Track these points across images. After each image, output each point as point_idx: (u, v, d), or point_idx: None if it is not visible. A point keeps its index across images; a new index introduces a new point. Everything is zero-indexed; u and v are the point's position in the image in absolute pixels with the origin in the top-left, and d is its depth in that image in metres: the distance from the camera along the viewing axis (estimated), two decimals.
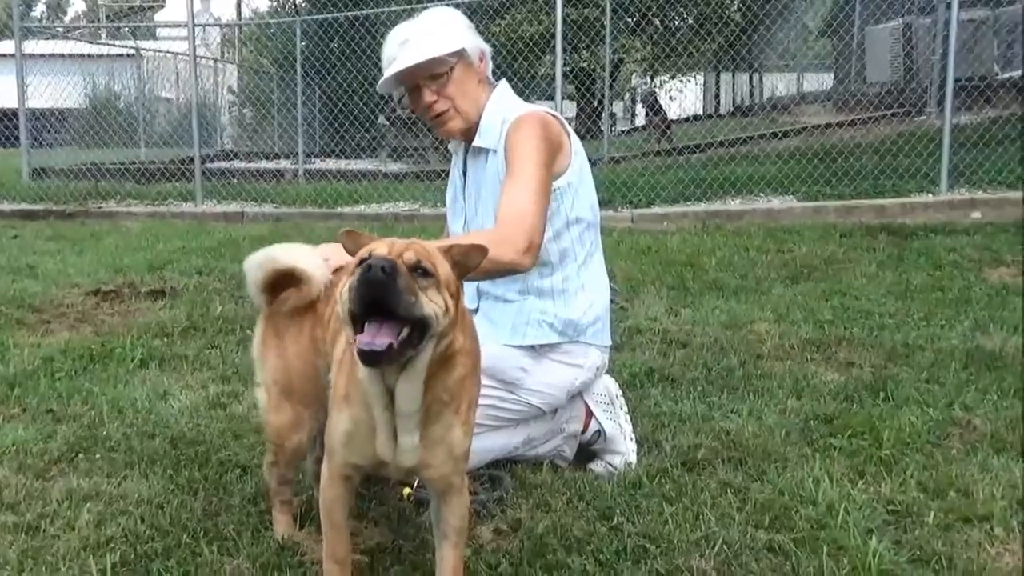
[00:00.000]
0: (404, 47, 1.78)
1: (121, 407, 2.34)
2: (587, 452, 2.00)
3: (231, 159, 10.84)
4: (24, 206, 7.27)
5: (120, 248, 5.12)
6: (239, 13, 15.92)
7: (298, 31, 9.96)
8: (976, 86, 6.89)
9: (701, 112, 13.95)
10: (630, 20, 11.12)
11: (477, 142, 1.86)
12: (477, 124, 1.85)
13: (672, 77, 12.67)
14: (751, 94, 13.65)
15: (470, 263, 1.27)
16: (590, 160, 1.99)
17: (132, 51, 11.79)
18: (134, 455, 2.01)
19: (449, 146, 2.01)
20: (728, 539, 1.60)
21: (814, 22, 13.11)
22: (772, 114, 10.50)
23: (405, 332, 1.15)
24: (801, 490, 1.78)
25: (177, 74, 12.10)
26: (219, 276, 4.17)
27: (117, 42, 13.62)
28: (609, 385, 2.05)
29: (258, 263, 1.57)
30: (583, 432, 1.97)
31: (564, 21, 6.73)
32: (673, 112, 12.10)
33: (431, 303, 1.17)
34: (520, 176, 1.70)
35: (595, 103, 11.11)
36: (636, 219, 5.93)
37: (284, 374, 1.59)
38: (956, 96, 5.87)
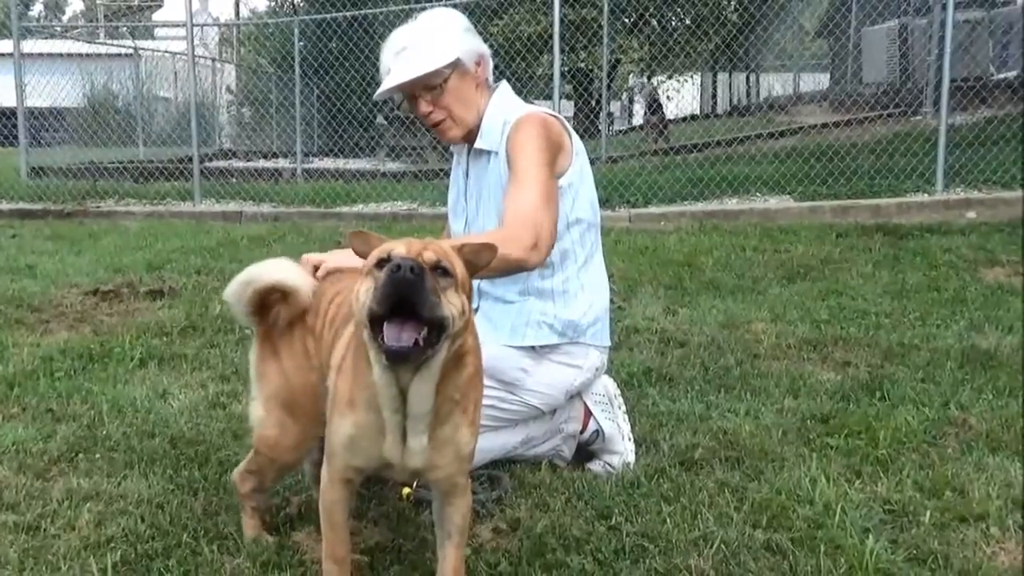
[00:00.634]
0: (399, 58, 1.79)
1: (121, 407, 2.34)
2: (585, 452, 2.01)
3: (229, 158, 10.84)
4: (22, 205, 7.25)
5: (119, 247, 5.11)
6: (237, 13, 15.90)
7: (296, 31, 9.95)
8: (972, 86, 6.91)
9: (698, 112, 13.96)
10: (627, 20, 11.13)
11: (478, 144, 1.87)
12: (478, 127, 1.86)
13: (669, 77, 12.68)
14: (748, 94, 13.67)
15: (480, 262, 1.28)
16: (588, 159, 2.00)
17: (130, 50, 11.77)
18: (134, 455, 2.01)
19: (451, 148, 2.01)
20: (726, 538, 1.61)
21: (811, 22, 13.14)
22: (769, 114, 10.52)
23: (424, 332, 1.15)
24: (798, 489, 1.79)
25: (175, 73, 12.08)
26: (218, 275, 4.17)
27: (115, 41, 13.61)
28: (607, 385, 2.06)
29: (240, 288, 1.55)
30: (582, 432, 1.98)
31: (562, 21, 6.75)
32: (670, 112, 12.11)
33: (450, 304, 1.17)
34: (524, 177, 1.71)
35: (592, 103, 11.12)
36: (633, 219, 5.95)
37: (286, 391, 1.56)
38: (952, 96, 5.89)
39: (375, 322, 1.16)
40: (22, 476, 1.90)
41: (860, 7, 10.23)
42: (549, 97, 6.83)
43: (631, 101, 16.63)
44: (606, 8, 8.36)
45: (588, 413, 1.99)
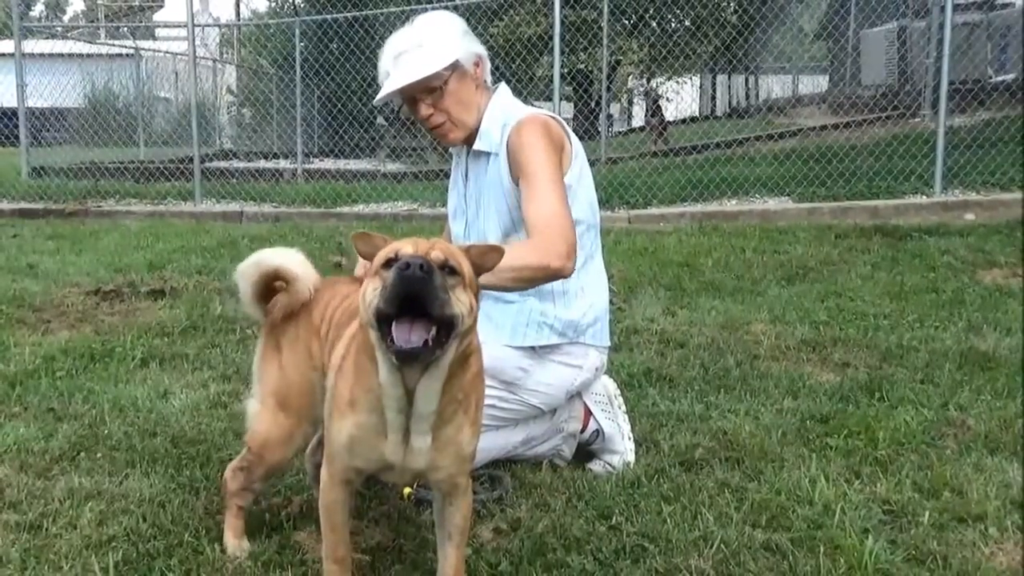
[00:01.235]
0: (398, 61, 1.80)
1: (122, 406, 2.35)
2: (586, 452, 2.01)
3: (230, 159, 10.84)
4: (23, 205, 7.26)
5: (120, 247, 5.11)
6: (238, 13, 15.90)
7: (297, 32, 9.97)
8: (970, 89, 6.93)
9: (698, 113, 13.98)
10: (627, 22, 11.15)
11: (477, 146, 1.88)
12: (477, 129, 1.87)
13: (669, 79, 12.70)
14: (747, 96, 13.70)
15: (487, 264, 1.29)
16: (588, 160, 2.01)
17: (131, 51, 11.78)
18: (135, 454, 2.02)
19: (451, 150, 2.02)
20: (726, 538, 1.61)
21: (810, 25, 13.16)
22: (768, 116, 10.53)
23: (433, 331, 1.15)
24: (798, 490, 1.80)
25: (176, 74, 12.09)
26: (219, 276, 4.18)
27: (116, 42, 13.61)
28: (607, 385, 2.07)
29: (247, 268, 1.57)
30: (582, 432, 1.99)
31: (562, 23, 6.76)
32: (670, 113, 12.13)
33: (459, 302, 1.18)
34: (539, 180, 1.72)
35: (592, 104, 11.13)
36: (633, 219, 5.95)
37: (282, 387, 1.57)
38: (950, 99, 5.91)
39: (383, 322, 1.16)
40: (24, 475, 1.90)
41: (859, 9, 10.25)
42: (549, 98, 6.85)
43: (631, 103, 16.65)
44: (606, 10, 8.38)
45: (588, 413, 2.00)
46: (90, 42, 12.34)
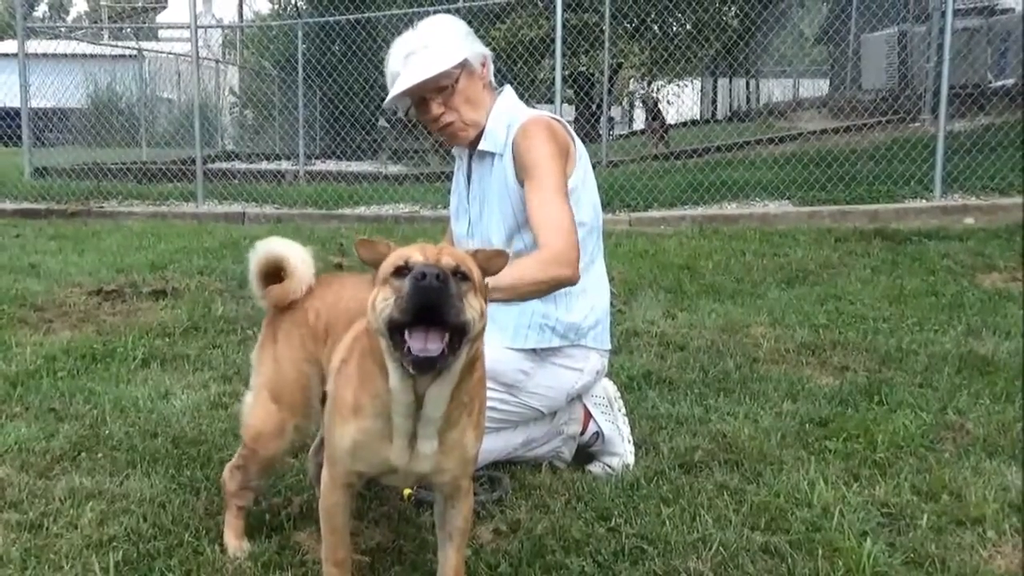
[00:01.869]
0: (408, 61, 1.80)
1: (123, 406, 2.35)
2: (585, 454, 2.02)
3: (232, 160, 10.86)
4: (26, 205, 7.27)
5: (122, 248, 5.12)
6: (241, 15, 15.96)
7: (299, 33, 9.99)
8: (970, 94, 6.94)
9: (699, 117, 14.00)
10: (629, 25, 11.16)
11: (482, 146, 1.89)
12: (483, 129, 1.88)
13: (670, 82, 12.72)
14: (748, 99, 13.72)
15: (493, 268, 1.29)
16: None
17: (134, 52, 11.81)
18: (136, 454, 2.02)
19: (453, 150, 2.03)
20: (725, 541, 1.62)
21: (811, 29, 13.18)
22: (769, 119, 10.55)
23: (447, 337, 1.15)
24: (796, 492, 1.80)
25: (179, 75, 12.13)
26: (220, 276, 4.19)
27: (119, 43, 13.64)
28: (607, 387, 2.07)
29: (258, 249, 1.61)
30: (581, 434, 2.00)
31: (564, 26, 6.78)
32: (671, 117, 12.16)
33: (471, 308, 1.18)
34: (546, 186, 1.74)
35: (594, 107, 11.15)
36: (634, 222, 5.96)
37: (276, 380, 1.58)
38: (950, 103, 5.93)
39: (395, 330, 1.16)
40: (25, 475, 1.91)
41: (860, 14, 10.28)
42: (551, 101, 6.86)
43: (632, 106, 16.67)
44: (607, 13, 8.40)
45: (588, 415, 2.01)
46: (93, 43, 12.36)
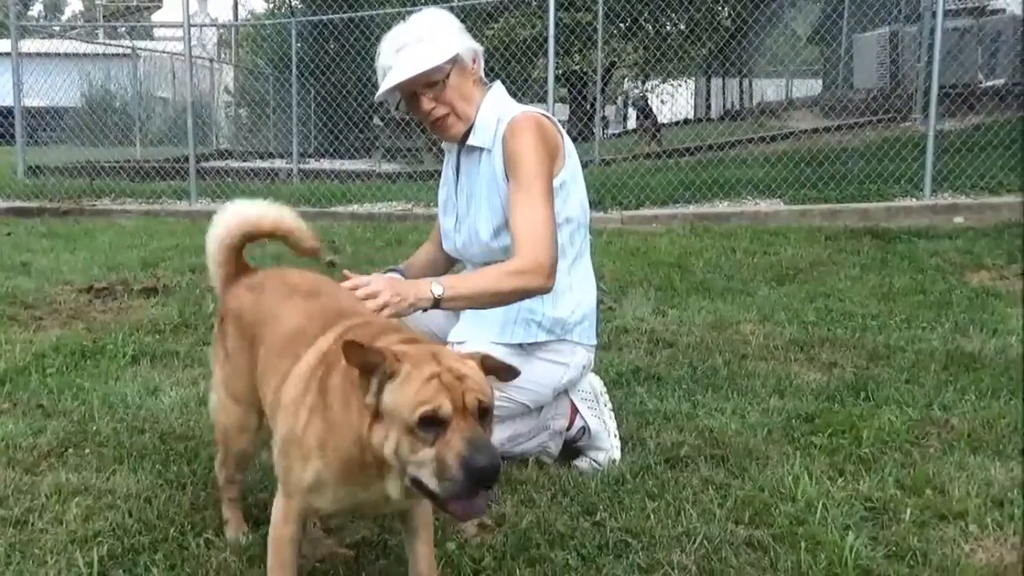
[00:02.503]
0: (400, 55, 1.80)
1: (111, 403, 2.35)
2: (572, 449, 2.03)
3: (226, 158, 10.85)
4: (18, 203, 7.25)
5: (114, 245, 5.11)
6: (235, 14, 15.91)
7: (294, 32, 9.99)
8: (960, 93, 6.98)
9: (691, 116, 14.04)
10: (622, 25, 11.19)
11: (471, 141, 1.89)
12: (472, 124, 1.88)
13: (663, 81, 12.76)
14: (741, 99, 13.76)
15: (500, 379, 1.24)
16: (582, 162, 2.03)
17: (129, 51, 11.78)
18: (123, 450, 2.02)
19: (442, 144, 2.03)
20: (709, 534, 1.63)
21: (803, 29, 13.23)
22: (761, 118, 10.59)
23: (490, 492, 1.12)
24: (781, 487, 1.81)
25: (173, 74, 12.10)
26: None
27: (114, 42, 13.61)
28: (594, 383, 2.08)
29: (226, 221, 1.61)
30: (568, 429, 2.00)
31: (557, 25, 6.78)
32: (664, 116, 12.19)
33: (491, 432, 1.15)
34: (529, 190, 1.75)
35: (587, 106, 11.17)
36: (626, 220, 5.98)
37: (229, 376, 1.56)
38: (941, 103, 5.95)
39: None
40: (11, 471, 1.90)
41: (851, 14, 10.32)
42: (544, 100, 6.87)
43: (625, 105, 16.70)
44: (601, 12, 8.42)
45: (575, 410, 2.01)
46: (88, 42, 12.32)
